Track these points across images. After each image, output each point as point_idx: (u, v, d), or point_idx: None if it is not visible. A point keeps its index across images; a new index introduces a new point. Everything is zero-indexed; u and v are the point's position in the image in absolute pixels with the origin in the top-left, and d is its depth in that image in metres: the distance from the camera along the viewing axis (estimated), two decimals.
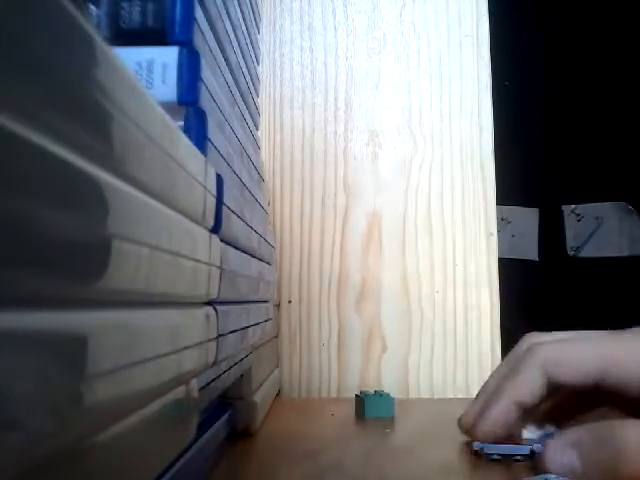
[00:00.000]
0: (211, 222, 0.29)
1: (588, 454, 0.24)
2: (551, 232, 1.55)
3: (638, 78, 0.67)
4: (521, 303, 1.11)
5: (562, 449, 0.26)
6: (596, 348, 0.30)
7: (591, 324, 0.40)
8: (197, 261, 0.26)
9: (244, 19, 0.49)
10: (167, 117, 0.22)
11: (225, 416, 0.45)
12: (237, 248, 0.38)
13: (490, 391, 0.35)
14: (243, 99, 0.48)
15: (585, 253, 1.53)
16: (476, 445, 0.39)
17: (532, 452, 0.44)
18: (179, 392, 0.25)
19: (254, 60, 0.55)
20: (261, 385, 0.58)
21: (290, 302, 0.77)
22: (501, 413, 0.32)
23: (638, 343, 0.30)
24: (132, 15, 0.31)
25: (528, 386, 0.30)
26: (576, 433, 0.26)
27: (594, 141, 0.71)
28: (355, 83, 0.80)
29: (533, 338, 0.35)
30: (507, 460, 0.42)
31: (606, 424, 0.26)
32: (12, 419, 0.11)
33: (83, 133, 0.14)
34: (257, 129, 0.58)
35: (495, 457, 0.37)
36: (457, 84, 0.80)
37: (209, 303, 0.30)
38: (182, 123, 0.30)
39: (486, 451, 0.35)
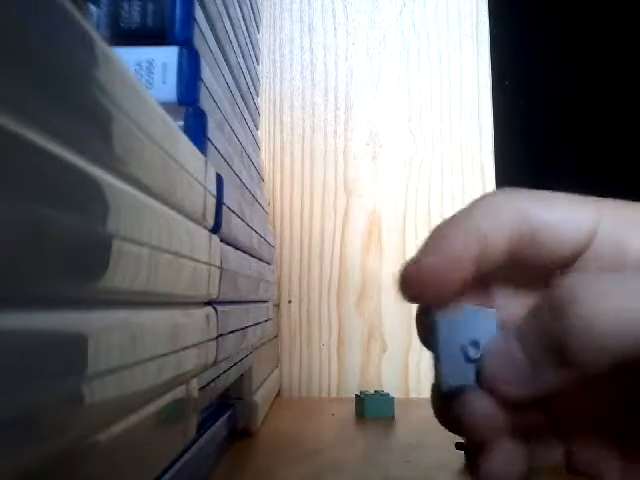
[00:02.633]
0: (211, 222, 0.29)
1: (531, 337, 0.17)
2: None
3: (638, 78, 0.67)
4: None
5: (505, 347, 0.18)
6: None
7: None
8: (197, 261, 0.26)
9: (244, 19, 0.49)
10: (167, 117, 0.22)
11: (225, 416, 0.45)
12: (237, 248, 0.38)
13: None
14: (243, 99, 0.48)
15: None
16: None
17: None
18: (179, 392, 0.25)
19: (254, 60, 0.55)
20: (261, 385, 0.58)
21: (290, 302, 0.77)
22: (457, 248, 0.18)
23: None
24: (132, 15, 0.31)
25: (499, 220, 0.18)
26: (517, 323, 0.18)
27: (594, 141, 0.71)
28: (355, 83, 0.80)
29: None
30: None
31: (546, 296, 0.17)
32: (12, 419, 0.11)
33: (83, 133, 0.14)
34: (257, 129, 0.58)
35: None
36: (457, 84, 0.80)
37: (209, 303, 0.30)
38: (182, 123, 0.30)
39: (432, 318, 0.19)
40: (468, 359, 0.18)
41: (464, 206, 0.19)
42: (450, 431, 0.19)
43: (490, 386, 0.18)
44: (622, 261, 0.18)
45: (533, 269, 0.19)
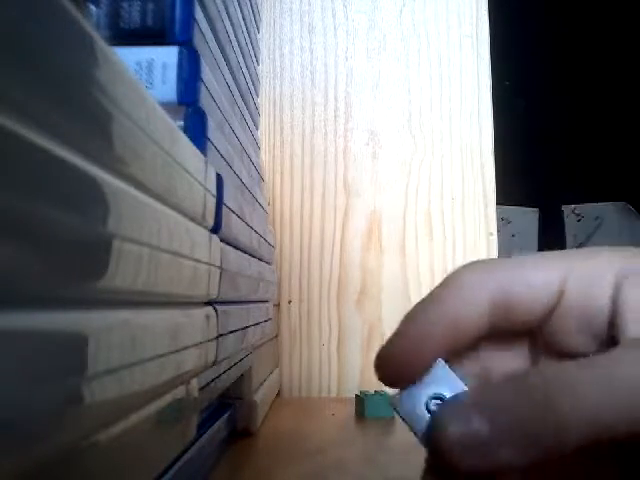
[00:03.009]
0: (211, 222, 0.29)
1: (501, 414, 0.16)
2: (551, 232, 1.55)
3: (639, 78, 0.67)
4: None
5: (464, 411, 0.16)
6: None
7: None
8: (197, 261, 0.26)
9: (244, 19, 0.49)
10: (167, 117, 0.22)
11: (225, 416, 0.45)
12: (237, 248, 0.38)
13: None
14: (243, 99, 0.48)
15: None
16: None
17: None
18: (179, 392, 0.25)
19: (254, 60, 0.55)
20: (261, 385, 0.58)
21: (290, 302, 0.77)
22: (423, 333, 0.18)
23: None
24: (132, 15, 0.31)
25: (469, 302, 0.19)
26: (482, 389, 0.17)
27: (594, 141, 0.71)
28: (355, 83, 0.80)
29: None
30: None
31: (520, 373, 0.17)
32: (13, 419, 0.11)
33: (83, 133, 0.14)
34: (257, 129, 0.58)
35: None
36: (457, 84, 0.80)
37: (209, 303, 0.30)
38: (182, 123, 0.30)
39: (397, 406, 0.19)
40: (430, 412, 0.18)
41: (435, 286, 0.20)
42: None
43: (440, 454, 0.16)
44: (591, 309, 0.18)
45: (510, 332, 0.20)
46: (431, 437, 0.17)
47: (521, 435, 0.16)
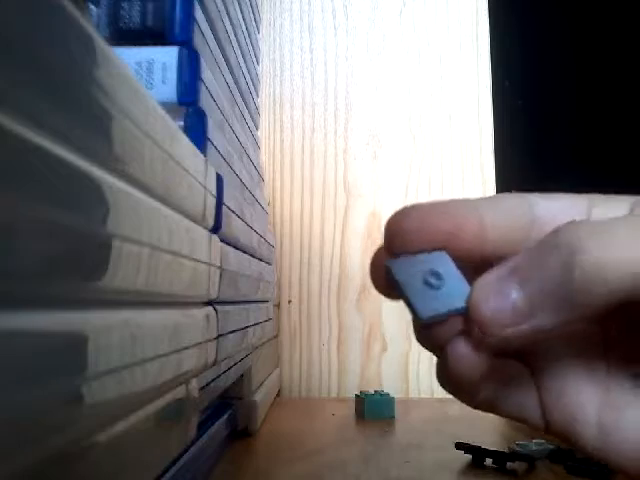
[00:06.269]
0: (211, 222, 0.29)
1: (531, 279, 0.16)
2: None
3: (638, 78, 0.67)
4: None
5: (499, 284, 0.17)
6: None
7: None
8: (197, 261, 0.26)
9: (244, 19, 0.49)
10: (167, 117, 0.22)
11: (225, 416, 0.45)
12: (237, 248, 0.38)
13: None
14: (243, 99, 0.48)
15: None
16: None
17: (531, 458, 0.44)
18: (179, 392, 0.25)
19: (254, 60, 0.55)
20: (261, 385, 0.58)
21: (290, 302, 0.77)
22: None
23: None
24: (132, 15, 0.31)
25: (496, 205, 0.19)
26: (514, 259, 0.17)
27: (594, 141, 0.71)
28: (355, 83, 0.80)
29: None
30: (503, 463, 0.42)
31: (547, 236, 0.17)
32: (12, 419, 0.11)
33: (83, 133, 0.14)
34: (257, 129, 0.58)
35: None
36: (457, 84, 0.80)
37: (209, 303, 0.30)
38: (182, 123, 0.30)
39: (386, 262, 0.19)
40: (432, 287, 0.18)
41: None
42: (434, 354, 0.20)
43: (481, 324, 0.17)
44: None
45: None
46: (470, 309, 0.17)
47: (552, 296, 0.16)
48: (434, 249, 0.18)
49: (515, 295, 0.17)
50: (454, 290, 0.18)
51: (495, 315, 0.17)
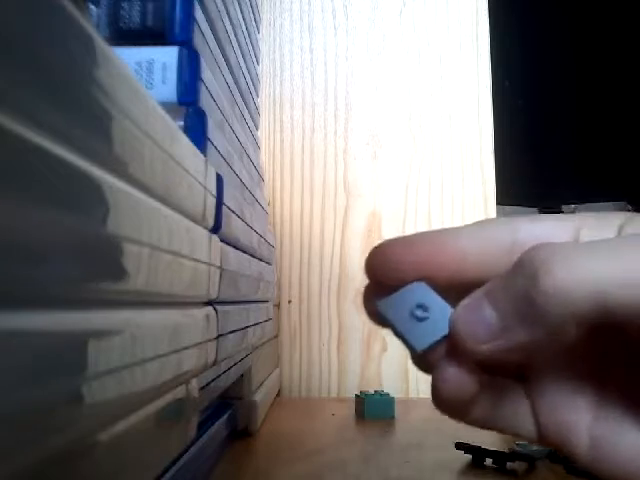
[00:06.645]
0: (211, 222, 0.29)
1: (501, 298, 0.17)
2: None
3: (638, 78, 0.67)
4: None
5: (474, 304, 0.18)
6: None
7: None
8: (197, 261, 0.26)
9: (244, 19, 0.49)
10: (167, 117, 0.22)
11: (225, 416, 0.45)
12: (237, 248, 0.38)
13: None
14: (243, 99, 0.48)
15: None
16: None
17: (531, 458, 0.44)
18: (179, 392, 0.25)
19: (254, 60, 0.55)
20: (261, 385, 0.58)
21: (290, 302, 0.77)
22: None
23: None
24: (132, 15, 0.31)
25: (479, 233, 0.20)
26: (488, 282, 0.18)
27: (594, 141, 0.71)
28: (355, 83, 0.80)
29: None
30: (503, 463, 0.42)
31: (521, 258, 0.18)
32: (13, 419, 0.11)
33: (83, 133, 0.14)
34: (257, 129, 0.58)
35: None
36: (457, 84, 0.80)
37: (209, 303, 0.30)
38: (182, 123, 0.30)
39: (375, 302, 0.20)
40: (420, 320, 0.19)
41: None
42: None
43: (460, 342, 0.18)
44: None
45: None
46: (450, 329, 0.19)
47: (521, 315, 0.17)
48: (415, 280, 0.20)
49: (488, 314, 0.18)
50: (440, 317, 0.19)
51: (471, 332, 0.18)
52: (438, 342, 0.19)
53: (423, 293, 0.19)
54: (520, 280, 0.17)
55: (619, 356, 0.19)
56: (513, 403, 0.21)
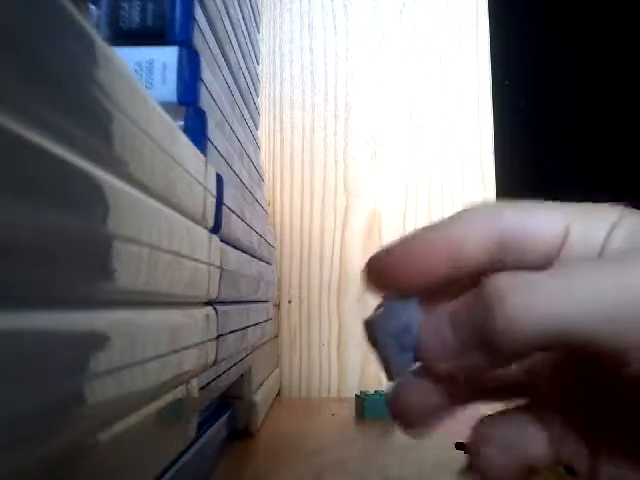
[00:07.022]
0: (211, 222, 0.29)
1: (461, 323, 0.18)
2: None
3: (638, 78, 0.67)
4: None
5: (438, 322, 0.19)
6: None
7: None
8: (197, 261, 0.26)
9: (244, 19, 0.49)
10: (167, 117, 0.22)
11: (225, 416, 0.45)
12: (237, 248, 0.38)
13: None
14: (243, 99, 0.48)
15: None
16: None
17: None
18: (179, 392, 0.25)
19: (254, 60, 0.55)
20: (261, 385, 0.58)
21: (290, 302, 0.77)
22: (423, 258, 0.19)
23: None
24: (132, 15, 0.31)
25: (475, 233, 0.19)
26: (453, 302, 0.19)
27: (594, 141, 0.71)
28: (355, 83, 0.80)
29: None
30: None
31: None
32: (13, 418, 0.11)
33: (83, 133, 0.14)
34: (257, 129, 0.58)
35: None
36: (457, 84, 0.80)
37: (209, 303, 0.30)
38: (182, 123, 0.30)
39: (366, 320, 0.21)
40: (404, 346, 0.20)
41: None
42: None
43: (423, 360, 0.19)
44: (588, 248, 0.19)
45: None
46: (419, 353, 0.19)
47: (477, 341, 0.18)
48: (407, 296, 0.20)
49: (448, 335, 0.19)
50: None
51: (432, 348, 0.19)
52: (413, 367, 0.20)
53: (412, 312, 0.20)
54: (478, 310, 0.18)
55: (603, 389, 0.20)
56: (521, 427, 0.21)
